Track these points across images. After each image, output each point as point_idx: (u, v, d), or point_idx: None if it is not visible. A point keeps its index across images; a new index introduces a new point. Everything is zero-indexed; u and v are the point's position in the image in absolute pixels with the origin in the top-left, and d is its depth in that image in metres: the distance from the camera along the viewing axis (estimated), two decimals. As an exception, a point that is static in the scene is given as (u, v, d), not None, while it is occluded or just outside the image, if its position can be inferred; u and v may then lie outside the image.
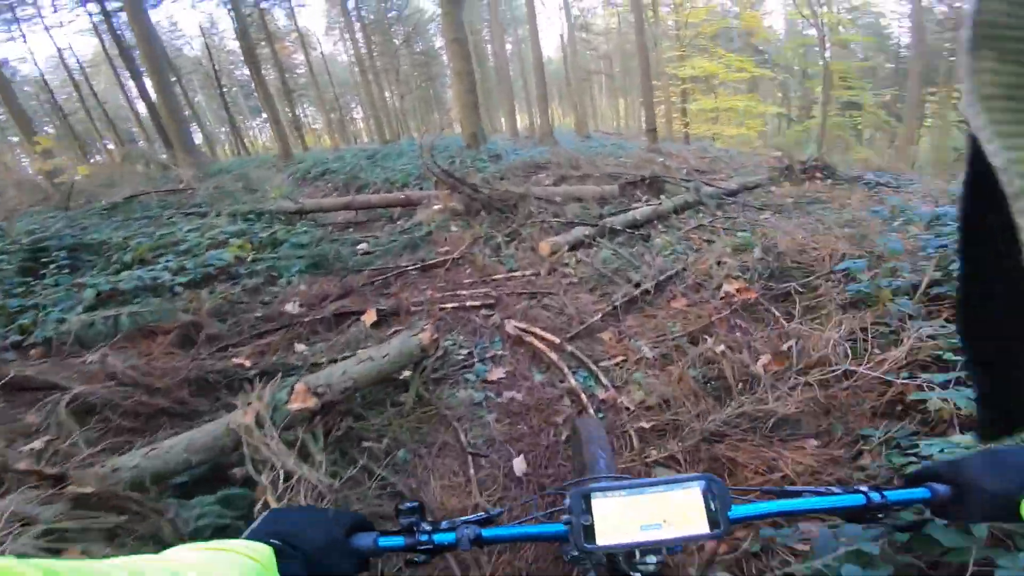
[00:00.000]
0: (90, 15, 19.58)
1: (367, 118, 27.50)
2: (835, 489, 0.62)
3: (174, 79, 24.76)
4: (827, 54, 19.06)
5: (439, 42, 28.79)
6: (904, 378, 1.96)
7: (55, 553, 1.29)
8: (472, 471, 2.04)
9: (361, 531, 0.60)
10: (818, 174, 8.19)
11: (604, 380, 2.47)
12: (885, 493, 0.59)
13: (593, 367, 2.61)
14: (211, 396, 2.59)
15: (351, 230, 5.91)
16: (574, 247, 4.12)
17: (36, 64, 21.24)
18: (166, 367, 2.66)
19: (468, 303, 3.33)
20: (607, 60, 34.28)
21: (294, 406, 1.97)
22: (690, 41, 22.91)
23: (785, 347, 2.48)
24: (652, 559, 0.60)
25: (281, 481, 1.72)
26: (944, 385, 1.78)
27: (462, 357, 2.89)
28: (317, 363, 2.79)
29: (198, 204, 6.97)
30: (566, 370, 2.58)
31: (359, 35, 24.35)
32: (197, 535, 1.58)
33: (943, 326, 2.18)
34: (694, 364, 2.49)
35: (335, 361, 2.42)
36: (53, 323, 3.07)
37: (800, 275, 3.14)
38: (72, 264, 4.10)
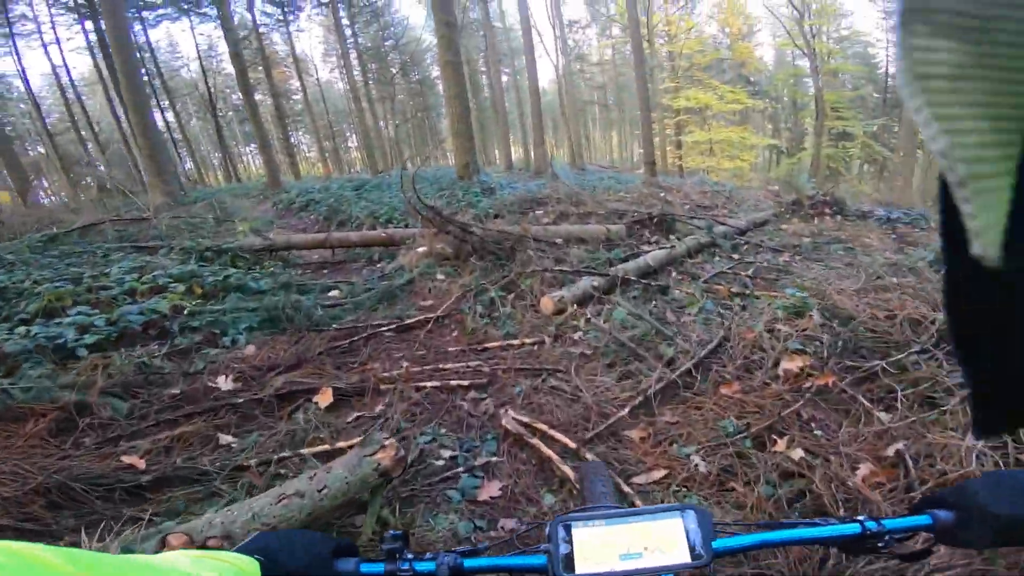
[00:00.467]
0: (86, 33, 19.19)
1: (361, 147, 27.11)
2: (831, 520, 0.60)
3: (167, 102, 24.41)
4: (820, 83, 19.04)
5: (435, 71, 28.81)
6: None
7: None
8: None
9: (346, 555, 0.60)
10: (827, 209, 7.81)
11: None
12: (883, 522, 0.58)
13: (625, 487, 1.89)
14: (78, 510, 1.86)
15: (325, 271, 5.21)
16: (581, 301, 3.45)
17: (27, 81, 20.37)
18: (17, 470, 1.92)
19: (453, 381, 2.62)
20: (601, 91, 34.47)
21: None
22: (684, 72, 22.96)
23: (891, 451, 1.85)
24: None
25: None
26: None
27: (443, 463, 2.16)
28: (243, 466, 2.06)
29: (158, 236, 6.27)
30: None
31: (355, 62, 24.18)
32: None
33: None
34: (767, 478, 1.81)
35: (251, 491, 1.67)
36: None
37: (880, 346, 2.46)
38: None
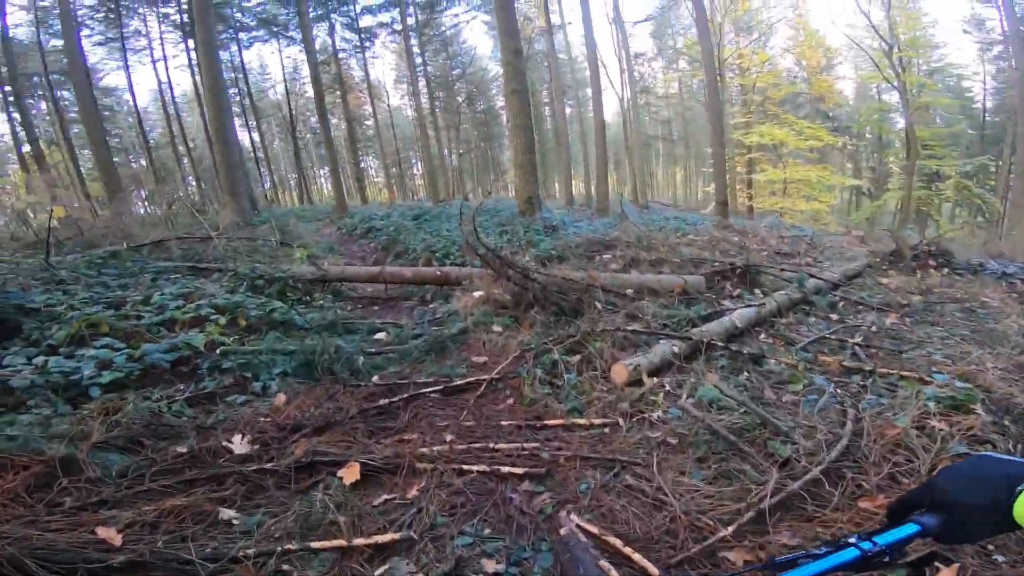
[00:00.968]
0: (188, 51, 20.56)
1: (424, 174, 27.73)
2: (824, 548, 0.57)
3: (254, 121, 26.02)
4: (910, 118, 17.50)
5: (499, 102, 29.26)
6: None
7: None
8: None
9: None
10: (931, 261, 6.81)
11: None
12: (875, 539, 0.56)
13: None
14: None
15: (376, 307, 4.94)
16: (659, 370, 2.90)
17: (134, 96, 22.17)
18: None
19: (504, 467, 2.15)
20: (666, 125, 33.75)
21: None
22: (757, 107, 21.91)
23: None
24: None
25: None
26: None
27: (483, 579, 1.68)
28: (237, 558, 1.65)
29: (218, 258, 6.28)
30: None
31: (423, 89, 24.91)
32: None
33: None
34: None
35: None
36: None
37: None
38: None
